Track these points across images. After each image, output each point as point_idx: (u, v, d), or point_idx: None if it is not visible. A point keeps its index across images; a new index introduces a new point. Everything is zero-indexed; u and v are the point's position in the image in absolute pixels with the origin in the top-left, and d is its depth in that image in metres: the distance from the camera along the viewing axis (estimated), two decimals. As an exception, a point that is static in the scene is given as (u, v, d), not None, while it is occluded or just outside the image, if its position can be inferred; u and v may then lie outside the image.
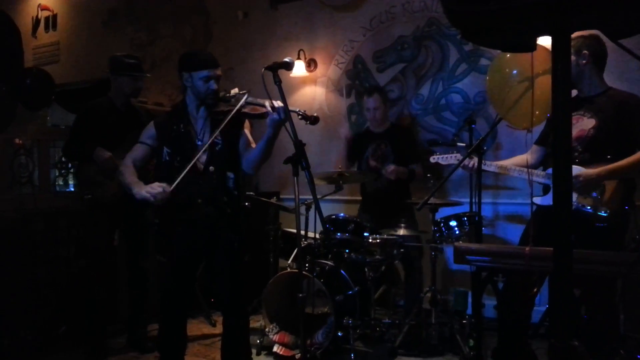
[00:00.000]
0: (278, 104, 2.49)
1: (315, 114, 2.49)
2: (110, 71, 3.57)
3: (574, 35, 2.72)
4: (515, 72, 2.53)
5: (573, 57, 2.72)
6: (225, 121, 2.52)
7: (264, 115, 2.56)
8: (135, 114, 3.64)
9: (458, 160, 3.22)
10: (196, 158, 2.54)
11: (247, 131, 2.80)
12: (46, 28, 7.34)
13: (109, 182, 3.44)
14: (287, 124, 2.40)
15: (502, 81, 2.73)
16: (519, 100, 2.56)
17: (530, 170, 2.85)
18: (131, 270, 3.68)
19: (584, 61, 2.74)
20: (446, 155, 3.38)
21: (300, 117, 2.45)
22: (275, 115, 2.49)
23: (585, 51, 2.73)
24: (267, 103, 2.54)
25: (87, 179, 3.52)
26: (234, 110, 2.54)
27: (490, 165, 3.05)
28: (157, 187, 2.47)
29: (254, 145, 2.75)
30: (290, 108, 2.46)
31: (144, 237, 3.69)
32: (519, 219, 4.18)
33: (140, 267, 3.67)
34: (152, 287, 3.75)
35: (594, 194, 2.69)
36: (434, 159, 3.47)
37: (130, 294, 3.70)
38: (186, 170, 2.49)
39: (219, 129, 2.55)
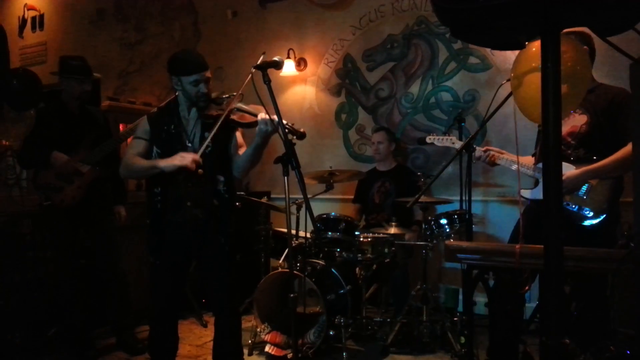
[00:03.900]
0: (266, 116, 2.45)
1: (302, 129, 2.44)
2: (59, 73, 3.49)
3: (569, 32, 2.72)
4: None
5: None
6: (215, 128, 2.51)
7: (252, 124, 2.54)
8: (91, 116, 3.58)
9: (453, 142, 3.31)
10: (209, 137, 2.54)
11: (238, 133, 2.78)
12: (33, 28, 7.27)
13: (68, 186, 3.40)
14: (277, 123, 2.38)
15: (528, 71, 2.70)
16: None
17: (520, 162, 2.85)
18: (106, 273, 3.61)
19: None
20: (442, 137, 3.45)
21: (287, 130, 2.40)
22: (263, 126, 2.47)
23: (585, 47, 2.73)
24: (258, 114, 2.50)
25: (44, 185, 3.42)
26: (222, 117, 2.52)
27: (479, 152, 3.07)
28: (187, 155, 2.49)
29: (244, 149, 2.74)
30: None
31: (113, 239, 3.63)
32: (509, 216, 4.19)
33: (113, 268, 3.60)
34: (139, 289, 3.72)
35: (581, 193, 2.71)
36: (430, 139, 3.50)
37: (110, 296, 3.64)
38: (207, 140, 2.53)
39: (209, 138, 2.54)
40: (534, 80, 2.31)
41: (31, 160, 3.49)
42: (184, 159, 2.49)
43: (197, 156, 2.49)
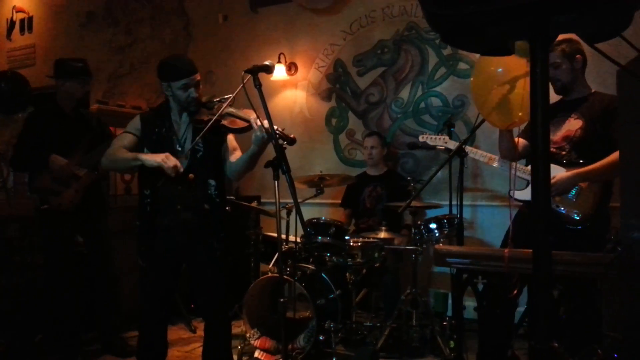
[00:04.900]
0: (261, 122, 2.44)
1: (292, 135, 2.45)
2: (56, 76, 3.46)
3: (562, 40, 2.75)
4: (500, 70, 2.52)
5: (568, 64, 2.76)
6: (202, 133, 2.51)
7: (243, 130, 2.54)
8: (84, 120, 3.57)
9: (445, 142, 3.39)
10: (196, 140, 2.55)
11: (231, 137, 2.78)
12: (21, 30, 7.21)
13: (65, 189, 3.38)
14: (267, 125, 2.39)
15: (486, 80, 2.74)
16: (503, 101, 2.55)
17: (514, 163, 2.86)
18: (98, 275, 3.59)
19: (579, 66, 2.78)
20: (434, 136, 3.50)
21: (278, 136, 2.39)
22: (259, 134, 2.47)
23: (579, 55, 2.77)
24: (251, 119, 2.50)
25: (41, 189, 3.40)
26: (212, 121, 2.52)
27: (476, 153, 3.09)
28: (172, 159, 2.49)
29: (238, 152, 2.74)
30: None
31: (108, 241, 3.62)
32: (498, 221, 4.21)
33: (106, 271, 3.59)
34: (132, 292, 3.68)
35: (570, 196, 2.73)
36: (422, 137, 3.54)
37: (100, 299, 3.62)
38: (194, 143, 2.57)
39: (195, 142, 2.56)
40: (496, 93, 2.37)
41: (27, 163, 3.45)
42: (168, 160, 2.48)
43: (179, 164, 2.49)
